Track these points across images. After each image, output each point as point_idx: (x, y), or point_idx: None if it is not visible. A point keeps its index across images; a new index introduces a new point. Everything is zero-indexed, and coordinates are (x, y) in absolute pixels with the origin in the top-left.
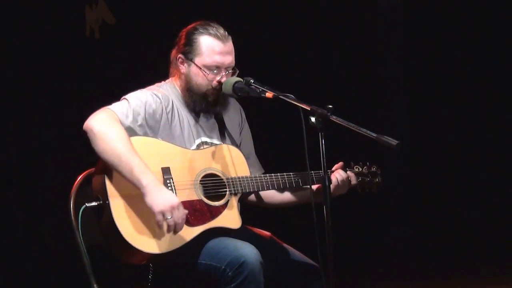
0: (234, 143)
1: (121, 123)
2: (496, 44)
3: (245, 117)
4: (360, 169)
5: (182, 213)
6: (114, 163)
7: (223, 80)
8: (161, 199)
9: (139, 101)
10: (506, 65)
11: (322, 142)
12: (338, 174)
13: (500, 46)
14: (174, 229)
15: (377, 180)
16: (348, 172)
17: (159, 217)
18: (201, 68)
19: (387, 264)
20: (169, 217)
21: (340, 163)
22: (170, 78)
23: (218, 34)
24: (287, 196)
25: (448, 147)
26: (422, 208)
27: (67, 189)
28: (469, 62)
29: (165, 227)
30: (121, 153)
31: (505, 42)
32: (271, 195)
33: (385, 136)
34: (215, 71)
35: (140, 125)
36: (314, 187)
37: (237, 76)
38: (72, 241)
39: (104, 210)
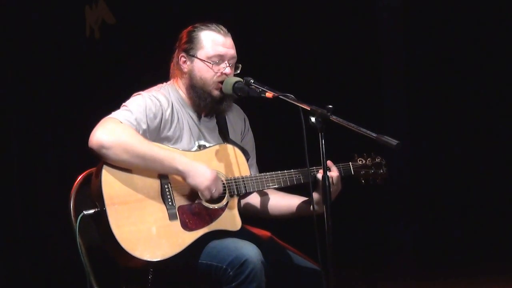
0: None
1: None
2: (497, 44)
3: (249, 126)
4: (364, 161)
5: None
6: (140, 166)
7: (227, 71)
8: (201, 177)
9: (139, 106)
10: (506, 65)
11: (322, 142)
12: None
13: (501, 45)
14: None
15: (381, 171)
16: (333, 167)
17: (206, 193)
18: (204, 61)
19: (389, 264)
20: (213, 191)
21: (328, 162)
22: (171, 80)
23: (219, 28)
24: (287, 208)
25: (449, 146)
26: (423, 207)
27: (67, 189)
28: (469, 62)
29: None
30: (143, 154)
31: (505, 41)
32: (271, 207)
33: (385, 136)
34: (218, 61)
35: (144, 130)
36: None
37: (237, 75)
38: (72, 242)
39: (101, 217)
